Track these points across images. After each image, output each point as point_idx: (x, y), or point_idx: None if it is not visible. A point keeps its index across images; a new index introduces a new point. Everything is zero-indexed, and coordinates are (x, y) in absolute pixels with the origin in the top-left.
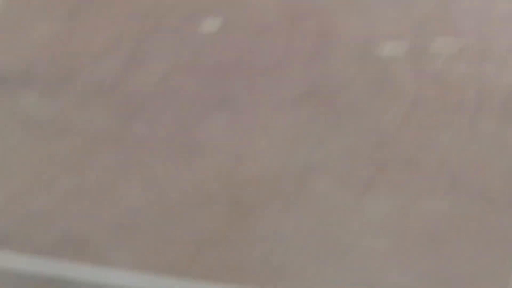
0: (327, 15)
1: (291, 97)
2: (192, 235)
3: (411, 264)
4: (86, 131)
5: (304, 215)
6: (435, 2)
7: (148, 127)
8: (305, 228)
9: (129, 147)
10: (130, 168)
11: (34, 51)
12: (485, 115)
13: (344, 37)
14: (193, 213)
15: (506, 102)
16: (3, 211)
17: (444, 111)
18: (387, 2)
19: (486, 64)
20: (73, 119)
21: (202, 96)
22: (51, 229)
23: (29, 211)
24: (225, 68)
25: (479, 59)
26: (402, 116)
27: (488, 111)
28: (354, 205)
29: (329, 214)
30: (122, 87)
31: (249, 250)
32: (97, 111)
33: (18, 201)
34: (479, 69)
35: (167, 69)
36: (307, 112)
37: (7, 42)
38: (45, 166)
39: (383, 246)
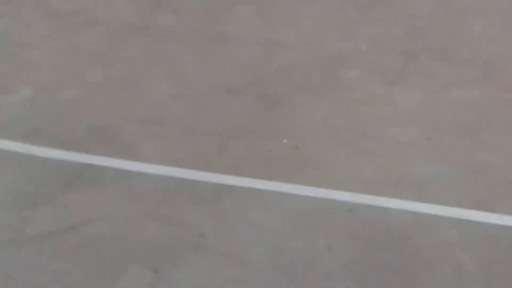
0: None
1: None
2: (219, 127)
3: (441, 154)
4: (111, 22)
5: (333, 106)
6: None
7: (174, 18)
8: (334, 118)
9: (155, 39)
10: (157, 60)
11: None
12: None
13: None
14: (220, 105)
15: None
16: (32, 103)
17: None
18: None
19: None
20: (98, 10)
21: None
22: (80, 121)
23: (57, 103)
24: None
25: None
26: (434, 4)
27: None
28: (383, 95)
29: (358, 104)
30: None
31: (277, 141)
32: (122, 2)
33: (46, 93)
34: None
35: None
36: (336, 0)
37: None
38: (71, 59)
39: (412, 137)
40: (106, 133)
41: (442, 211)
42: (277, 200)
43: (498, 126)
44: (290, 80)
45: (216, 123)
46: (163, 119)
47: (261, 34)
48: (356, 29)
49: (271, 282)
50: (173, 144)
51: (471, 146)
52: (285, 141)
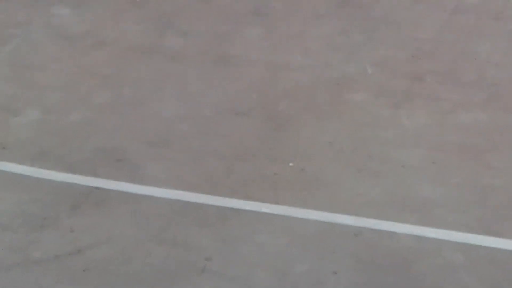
0: None
1: (326, 7)
2: (225, 149)
3: (446, 177)
4: (119, 44)
5: (339, 128)
6: None
7: (182, 40)
8: (340, 141)
9: (163, 60)
10: (164, 81)
11: None
12: None
13: None
14: (226, 127)
15: None
16: (39, 125)
17: (484, 21)
18: None
19: None
20: (106, 32)
21: (235, 6)
22: (88, 142)
23: (65, 125)
24: None
25: None
26: (440, 26)
27: None
28: (389, 117)
29: (364, 126)
30: None
31: (284, 164)
32: (130, 23)
33: (54, 115)
34: None
35: None
36: (342, 22)
37: None
38: (80, 80)
39: (417, 159)
40: (113, 155)
41: (447, 235)
42: (283, 223)
43: (504, 149)
44: (296, 102)
45: (222, 145)
46: (170, 140)
47: (267, 56)
48: (362, 51)
49: None
50: (179, 166)
51: (477, 169)
52: (291, 164)
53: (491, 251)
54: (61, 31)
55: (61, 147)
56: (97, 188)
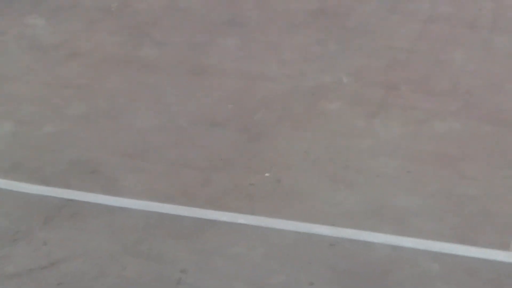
0: None
1: (301, 17)
2: (201, 160)
3: (422, 186)
4: (94, 54)
5: (315, 138)
6: None
7: (157, 50)
8: (315, 151)
9: (138, 71)
10: (139, 92)
11: None
12: (500, 32)
13: None
14: (202, 138)
15: None
16: (13, 137)
17: (458, 29)
18: None
19: None
20: (81, 42)
21: (211, 16)
22: (62, 155)
23: (39, 137)
24: None
25: None
26: (414, 35)
27: (503, 29)
28: (364, 127)
29: (339, 137)
30: (129, 9)
31: (260, 175)
32: (105, 34)
33: (27, 127)
34: None
35: None
36: (317, 32)
37: None
38: (54, 91)
39: (393, 169)
40: (87, 167)
41: (423, 244)
42: (259, 234)
43: (478, 158)
44: (272, 112)
45: (198, 156)
46: (145, 152)
47: (243, 66)
48: (337, 61)
49: None
50: (154, 178)
51: (451, 178)
52: (267, 174)
53: (467, 260)
54: (35, 41)
55: (34, 159)
56: (71, 200)
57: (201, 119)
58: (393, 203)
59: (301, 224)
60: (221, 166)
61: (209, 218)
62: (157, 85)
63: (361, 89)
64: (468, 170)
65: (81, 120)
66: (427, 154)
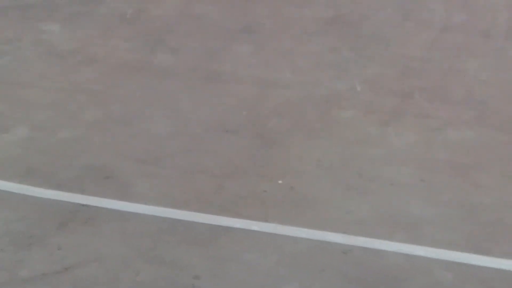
0: None
1: (315, 25)
2: (215, 167)
3: (435, 195)
4: (109, 60)
5: (328, 146)
6: None
7: (172, 56)
8: (329, 158)
9: (153, 77)
10: (154, 98)
11: None
12: None
13: None
14: (216, 144)
15: None
16: (28, 142)
17: (473, 38)
18: None
19: None
20: (96, 48)
21: (225, 24)
22: (76, 160)
23: (53, 143)
24: None
25: None
26: (429, 44)
27: None
28: (378, 135)
29: (354, 144)
30: (145, 16)
31: (273, 182)
32: (120, 40)
33: (42, 132)
34: None
35: None
36: (331, 39)
37: None
38: (69, 97)
39: (406, 177)
40: (102, 173)
41: (436, 253)
42: (272, 241)
43: (492, 167)
44: (286, 119)
45: (211, 163)
46: (159, 158)
47: (257, 73)
48: (351, 69)
49: None
50: (168, 184)
51: (465, 187)
52: (280, 181)
53: (480, 269)
54: (50, 48)
55: (49, 165)
56: (85, 205)
57: (215, 125)
58: (407, 211)
59: (314, 231)
60: (234, 173)
61: (223, 224)
62: (171, 91)
63: (375, 97)
64: (482, 179)
65: (95, 125)
66: (441, 162)
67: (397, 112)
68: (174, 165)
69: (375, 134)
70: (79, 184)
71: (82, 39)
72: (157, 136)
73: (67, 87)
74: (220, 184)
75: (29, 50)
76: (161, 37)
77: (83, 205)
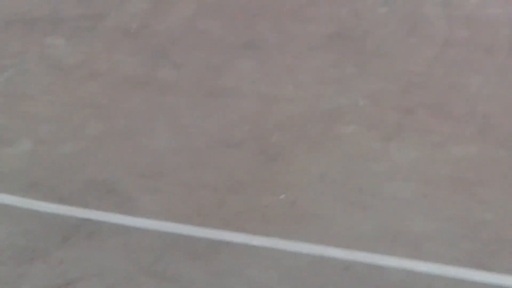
0: None
1: (318, 40)
2: (217, 181)
3: (438, 211)
4: (113, 75)
5: (330, 161)
6: None
7: (175, 71)
8: (331, 174)
9: (156, 91)
10: (157, 113)
11: None
12: None
13: None
14: (219, 159)
15: None
16: (31, 156)
17: (475, 53)
18: None
19: None
20: (100, 63)
21: (229, 39)
22: (79, 174)
23: (56, 156)
24: (251, 10)
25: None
26: (431, 59)
27: None
28: (381, 150)
29: (356, 160)
30: (149, 31)
31: (275, 197)
32: (124, 54)
33: (45, 146)
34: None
35: (193, 11)
36: (334, 55)
37: None
38: (72, 111)
39: (409, 193)
40: (104, 187)
41: (438, 269)
42: (274, 256)
43: (494, 183)
44: (288, 134)
45: (214, 177)
46: (162, 172)
47: (260, 88)
48: (354, 84)
49: None
50: (171, 198)
51: (467, 203)
52: (282, 196)
53: (482, 286)
54: (55, 61)
55: (52, 178)
56: (88, 219)
57: (217, 140)
58: (408, 227)
59: (315, 246)
60: (236, 188)
61: (224, 239)
62: (174, 106)
63: (377, 112)
64: (484, 195)
65: (98, 139)
66: (443, 178)
67: (400, 128)
68: (176, 179)
69: (377, 149)
70: (81, 198)
71: (86, 53)
72: (159, 150)
73: (71, 101)
74: (222, 199)
75: (33, 64)
76: (165, 52)
77: (85, 219)
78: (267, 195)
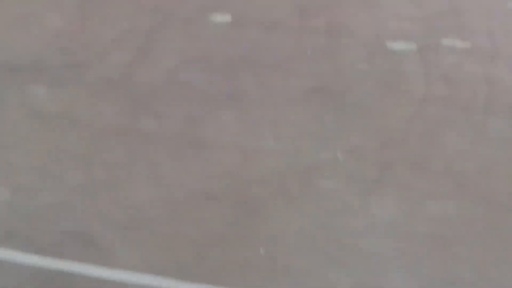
0: (337, 11)
1: (299, 94)
2: (196, 234)
3: (416, 268)
4: (94, 125)
5: (309, 215)
6: (445, 0)
7: (156, 122)
8: (310, 228)
9: (137, 142)
10: (137, 163)
11: (44, 43)
12: (494, 115)
13: (354, 33)
14: (198, 211)
15: None
16: (9, 205)
17: (452, 111)
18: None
19: (496, 63)
20: (81, 112)
21: (211, 91)
22: (57, 225)
23: (35, 206)
24: (233, 63)
25: (489, 58)
26: (410, 115)
27: (497, 111)
28: (359, 205)
29: (334, 215)
30: (131, 81)
31: (254, 250)
32: (106, 104)
33: (24, 195)
34: (489, 68)
35: (176, 63)
36: (315, 109)
37: (18, 33)
38: (52, 161)
39: (387, 249)
40: (82, 238)
41: None
42: None
43: (471, 240)
44: (268, 188)
45: (193, 230)
46: (140, 224)
47: (241, 140)
48: (333, 138)
49: None
50: (149, 251)
51: (444, 259)
52: (261, 250)
53: None
54: (35, 110)
55: (29, 229)
56: (64, 271)
57: (197, 192)
58: (387, 283)
59: None
60: (215, 241)
61: None
62: (154, 157)
63: (357, 167)
64: (462, 252)
65: (78, 190)
66: (421, 235)
67: (379, 183)
68: (155, 232)
69: (356, 204)
70: (59, 249)
71: (67, 102)
72: (139, 202)
73: (51, 150)
74: (201, 252)
75: (13, 112)
76: (147, 103)
77: (61, 271)
78: (246, 249)
